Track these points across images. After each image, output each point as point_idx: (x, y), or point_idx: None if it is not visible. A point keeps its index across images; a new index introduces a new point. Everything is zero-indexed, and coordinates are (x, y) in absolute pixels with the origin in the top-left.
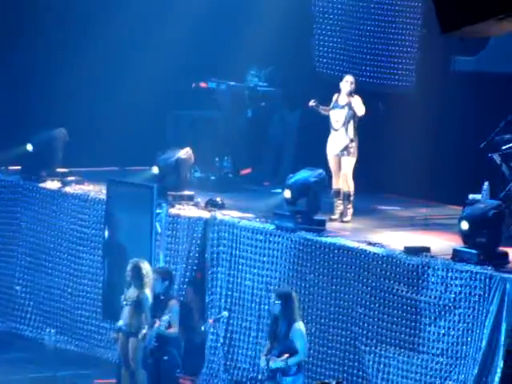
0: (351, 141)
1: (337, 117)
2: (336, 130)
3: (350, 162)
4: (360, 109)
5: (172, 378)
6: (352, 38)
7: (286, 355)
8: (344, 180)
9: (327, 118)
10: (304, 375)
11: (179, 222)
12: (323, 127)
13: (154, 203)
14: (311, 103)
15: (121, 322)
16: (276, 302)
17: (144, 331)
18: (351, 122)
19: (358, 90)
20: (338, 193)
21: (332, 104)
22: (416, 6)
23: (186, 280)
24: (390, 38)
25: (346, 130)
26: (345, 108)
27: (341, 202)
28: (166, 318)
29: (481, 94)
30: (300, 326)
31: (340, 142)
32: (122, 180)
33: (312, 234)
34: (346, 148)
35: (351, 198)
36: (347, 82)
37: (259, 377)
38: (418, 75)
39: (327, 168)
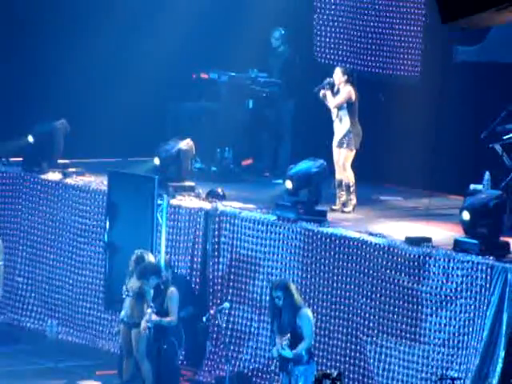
0: (348, 132)
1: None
2: (334, 122)
3: (345, 154)
4: (333, 100)
5: (172, 366)
6: (354, 28)
7: (287, 336)
8: (342, 171)
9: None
10: (315, 364)
11: (180, 213)
12: (320, 116)
13: (155, 194)
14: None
15: (123, 313)
16: (278, 294)
17: (144, 323)
18: (345, 112)
19: (359, 80)
20: (340, 183)
21: None
22: None
23: (187, 271)
24: (392, 28)
25: (340, 120)
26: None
27: (343, 192)
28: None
29: (482, 84)
30: (307, 311)
31: (338, 133)
32: (124, 171)
33: (313, 224)
34: (342, 139)
35: (351, 189)
36: (334, 74)
37: (261, 368)
38: (420, 65)
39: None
